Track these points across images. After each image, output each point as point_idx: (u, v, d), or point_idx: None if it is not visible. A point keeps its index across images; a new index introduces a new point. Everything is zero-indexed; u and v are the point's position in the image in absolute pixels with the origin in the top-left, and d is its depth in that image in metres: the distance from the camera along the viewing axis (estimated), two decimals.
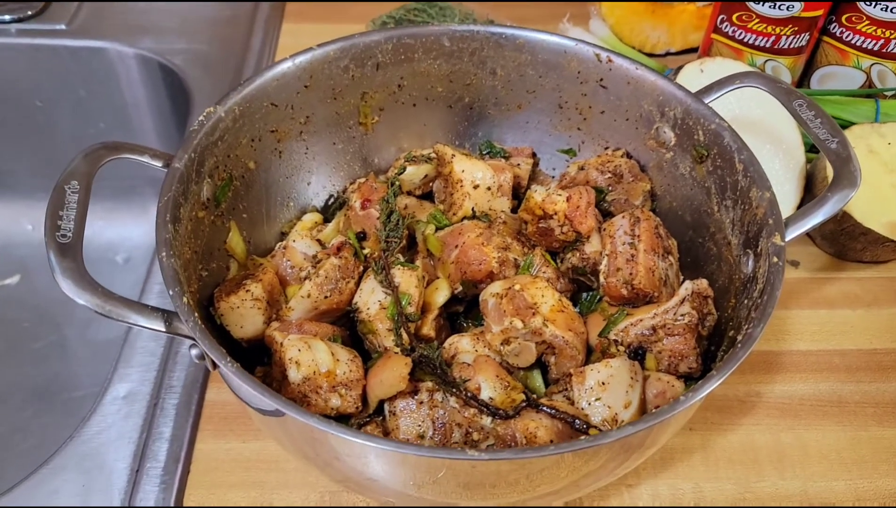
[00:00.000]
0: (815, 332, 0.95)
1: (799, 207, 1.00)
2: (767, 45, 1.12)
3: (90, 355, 1.20)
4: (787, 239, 0.69)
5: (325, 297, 0.75)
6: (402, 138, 0.96)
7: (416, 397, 0.68)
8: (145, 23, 1.32)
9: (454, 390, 0.68)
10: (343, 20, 1.38)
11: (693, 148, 0.82)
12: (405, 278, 0.74)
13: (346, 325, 0.78)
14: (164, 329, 0.62)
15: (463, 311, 0.84)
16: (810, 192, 1.02)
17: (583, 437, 0.64)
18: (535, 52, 0.89)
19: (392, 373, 0.67)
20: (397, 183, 0.84)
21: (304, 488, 0.78)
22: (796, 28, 1.09)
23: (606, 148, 0.92)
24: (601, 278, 0.78)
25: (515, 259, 0.79)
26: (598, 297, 0.81)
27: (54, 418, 1.11)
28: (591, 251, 0.80)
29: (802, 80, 1.20)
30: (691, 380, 0.74)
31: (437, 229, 0.82)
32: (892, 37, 1.08)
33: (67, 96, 1.30)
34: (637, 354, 0.75)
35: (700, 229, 0.83)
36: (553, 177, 0.97)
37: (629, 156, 0.90)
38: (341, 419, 0.69)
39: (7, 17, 1.28)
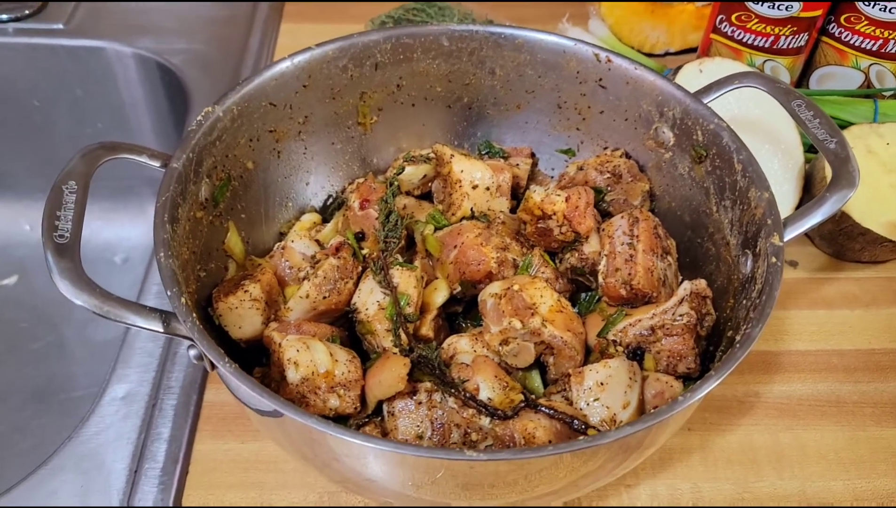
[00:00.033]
0: (813, 332, 0.95)
1: (797, 207, 1.00)
2: (766, 46, 1.12)
3: (88, 355, 1.20)
4: (785, 239, 0.69)
5: (324, 297, 0.75)
6: (401, 138, 0.96)
7: (414, 397, 0.68)
8: (143, 22, 1.32)
9: (453, 390, 0.68)
10: (342, 20, 1.38)
11: (692, 148, 0.82)
12: (404, 279, 0.74)
13: (344, 325, 0.78)
14: (162, 330, 0.62)
15: (462, 311, 0.83)
16: (809, 192, 1.02)
17: (581, 438, 0.64)
18: (534, 52, 0.89)
19: (391, 374, 0.67)
20: (396, 183, 0.84)
21: (302, 488, 0.78)
22: (795, 28, 1.09)
23: (605, 148, 0.92)
24: (600, 279, 0.78)
25: (514, 259, 0.79)
26: (597, 297, 0.81)
27: (53, 418, 1.11)
28: (590, 252, 0.80)
29: (801, 80, 1.20)
30: (690, 380, 0.74)
31: (436, 229, 0.82)
32: (890, 37, 1.08)
33: (65, 96, 1.30)
34: (636, 354, 0.75)
35: (699, 230, 0.83)
36: (552, 177, 0.97)
37: (628, 156, 0.90)
38: (340, 419, 0.69)
39: (4, 17, 1.28)
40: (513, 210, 0.86)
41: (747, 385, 0.89)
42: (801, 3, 1.06)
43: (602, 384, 0.68)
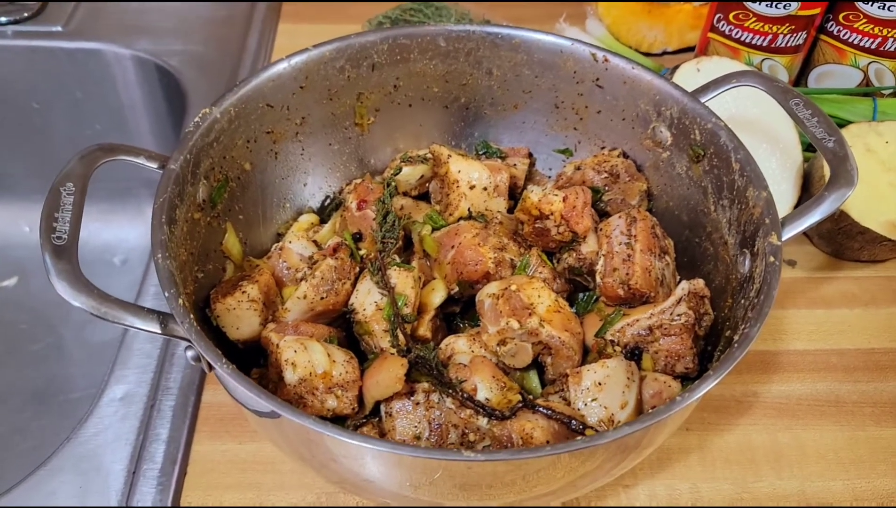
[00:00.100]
0: (812, 332, 0.95)
1: (796, 206, 1.00)
2: (764, 44, 1.12)
3: (87, 357, 1.20)
4: (783, 238, 0.69)
5: (322, 298, 0.75)
6: (399, 139, 0.96)
7: (412, 398, 0.68)
8: (141, 24, 1.32)
9: (450, 391, 0.68)
10: (339, 20, 1.38)
11: (689, 147, 0.82)
12: (401, 279, 0.74)
13: (342, 326, 0.78)
14: (159, 331, 0.62)
15: (459, 312, 0.83)
16: (807, 191, 1.02)
17: (579, 438, 0.64)
18: (532, 52, 0.89)
19: (388, 374, 0.67)
20: (393, 184, 0.84)
21: (300, 489, 0.78)
22: (793, 27, 1.09)
23: (603, 148, 0.92)
24: (598, 279, 0.78)
25: (512, 260, 0.79)
26: (595, 297, 0.81)
27: (52, 419, 1.11)
28: (588, 251, 0.80)
29: (800, 78, 1.20)
30: (688, 380, 0.74)
31: (434, 229, 0.82)
32: (889, 35, 1.07)
33: (64, 98, 1.30)
34: (634, 354, 0.75)
35: (697, 229, 0.83)
36: (549, 177, 0.97)
37: (626, 156, 0.90)
38: (337, 420, 0.69)
39: (3, 19, 1.28)
40: (510, 210, 0.86)
41: (746, 385, 0.89)
42: (800, 1, 1.06)
43: (600, 384, 0.68)
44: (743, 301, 0.70)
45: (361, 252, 0.79)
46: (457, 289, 0.78)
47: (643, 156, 0.89)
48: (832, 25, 1.11)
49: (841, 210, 0.94)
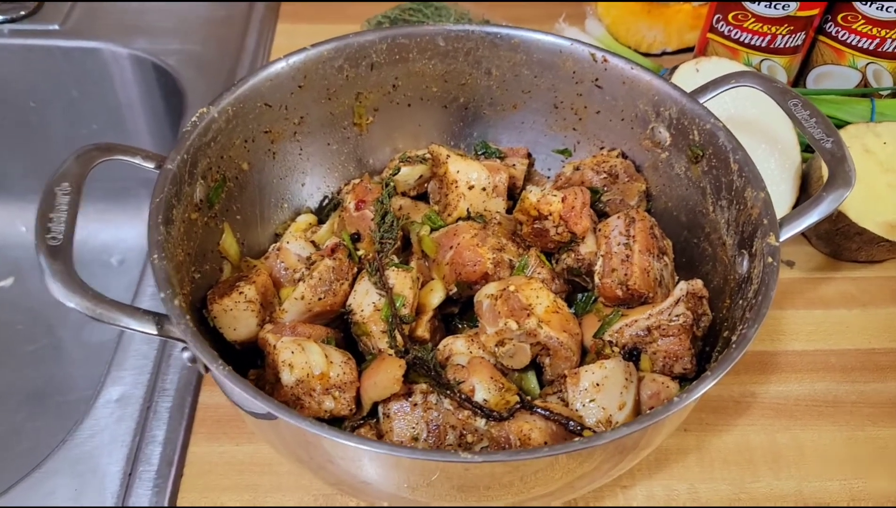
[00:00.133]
0: (810, 332, 0.95)
1: (794, 206, 1.00)
2: (763, 45, 1.12)
3: (84, 358, 1.19)
4: (781, 239, 0.69)
5: (319, 299, 0.74)
6: (397, 139, 0.96)
7: (410, 399, 0.68)
8: (139, 23, 1.32)
9: (448, 392, 0.68)
10: (338, 20, 1.38)
11: (688, 148, 0.82)
12: (399, 280, 0.74)
13: (340, 327, 0.78)
14: (155, 332, 0.62)
15: (457, 312, 0.83)
16: (805, 192, 1.02)
17: (577, 439, 0.63)
18: (531, 52, 0.89)
19: (386, 375, 0.66)
20: (392, 184, 0.83)
21: (297, 491, 0.78)
22: (792, 27, 1.09)
23: (602, 148, 0.92)
24: (596, 279, 0.78)
25: (510, 260, 0.79)
26: (593, 298, 0.81)
27: (48, 421, 1.11)
28: (586, 252, 0.80)
29: (798, 79, 1.20)
30: (686, 381, 0.74)
31: (432, 230, 0.81)
32: (887, 36, 1.07)
33: (61, 97, 1.30)
34: (632, 355, 0.75)
35: (695, 230, 0.83)
36: (548, 177, 0.97)
37: (624, 156, 0.90)
38: (335, 421, 0.69)
39: (0, 18, 1.28)
40: (509, 211, 0.86)
41: (744, 386, 0.89)
42: (798, 2, 1.06)
43: (598, 384, 0.68)
44: (741, 302, 0.70)
45: (359, 253, 0.79)
46: (455, 290, 0.78)
47: (642, 156, 0.89)
48: (830, 26, 1.11)
49: (839, 211, 0.94)
